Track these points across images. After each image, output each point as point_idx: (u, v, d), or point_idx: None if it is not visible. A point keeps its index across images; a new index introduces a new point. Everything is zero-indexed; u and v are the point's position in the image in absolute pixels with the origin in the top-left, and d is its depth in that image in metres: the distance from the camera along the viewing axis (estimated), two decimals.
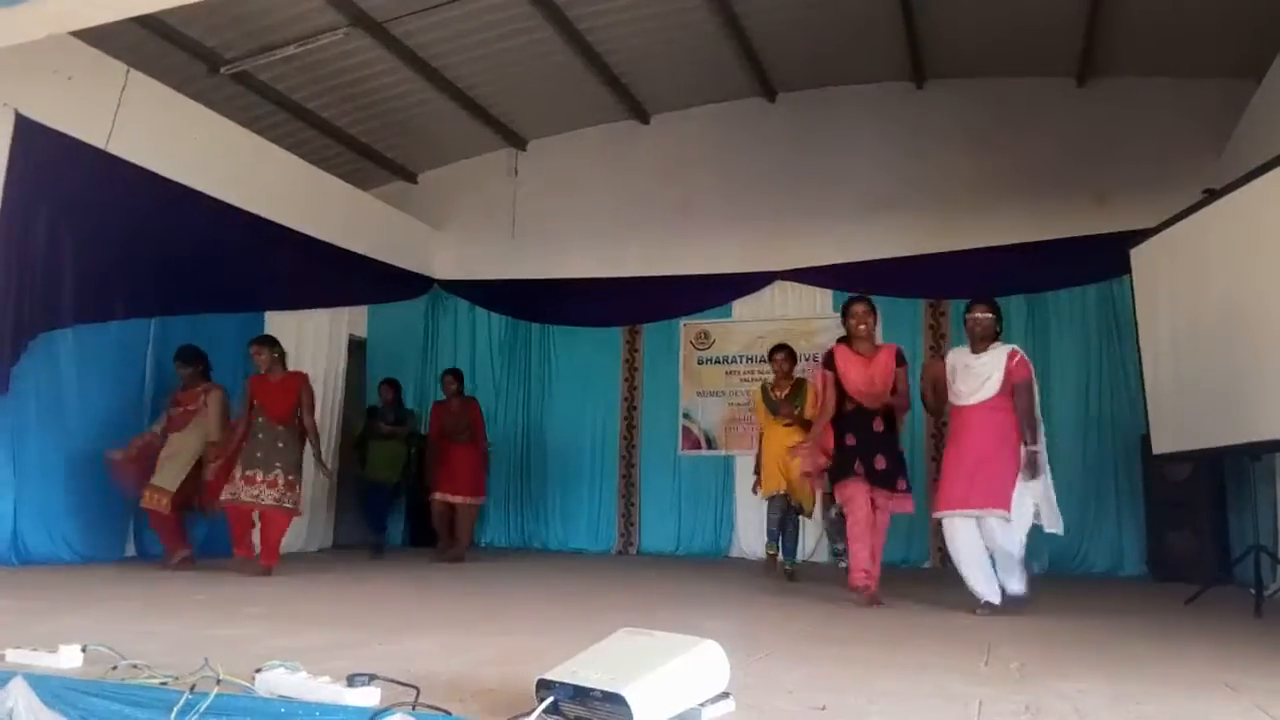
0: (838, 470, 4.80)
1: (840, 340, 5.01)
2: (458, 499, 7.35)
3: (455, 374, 7.70)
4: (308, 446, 5.98)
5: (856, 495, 4.66)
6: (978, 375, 4.62)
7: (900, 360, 4.83)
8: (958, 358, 4.76)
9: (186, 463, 5.94)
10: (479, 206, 9.81)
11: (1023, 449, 4.46)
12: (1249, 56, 6.59)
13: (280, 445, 5.75)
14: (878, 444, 4.71)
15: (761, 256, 8.66)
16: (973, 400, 4.60)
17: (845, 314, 4.92)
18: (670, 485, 8.80)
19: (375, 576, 6.05)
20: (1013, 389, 4.56)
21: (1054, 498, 4.61)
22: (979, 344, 4.69)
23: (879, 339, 5.23)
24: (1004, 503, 4.44)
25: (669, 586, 5.84)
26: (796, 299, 8.65)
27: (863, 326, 4.81)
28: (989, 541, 4.50)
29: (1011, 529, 4.46)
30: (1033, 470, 4.45)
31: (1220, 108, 7.06)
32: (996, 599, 4.46)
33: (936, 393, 4.83)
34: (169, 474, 5.89)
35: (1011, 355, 4.61)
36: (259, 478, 5.65)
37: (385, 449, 7.95)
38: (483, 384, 9.48)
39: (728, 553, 8.39)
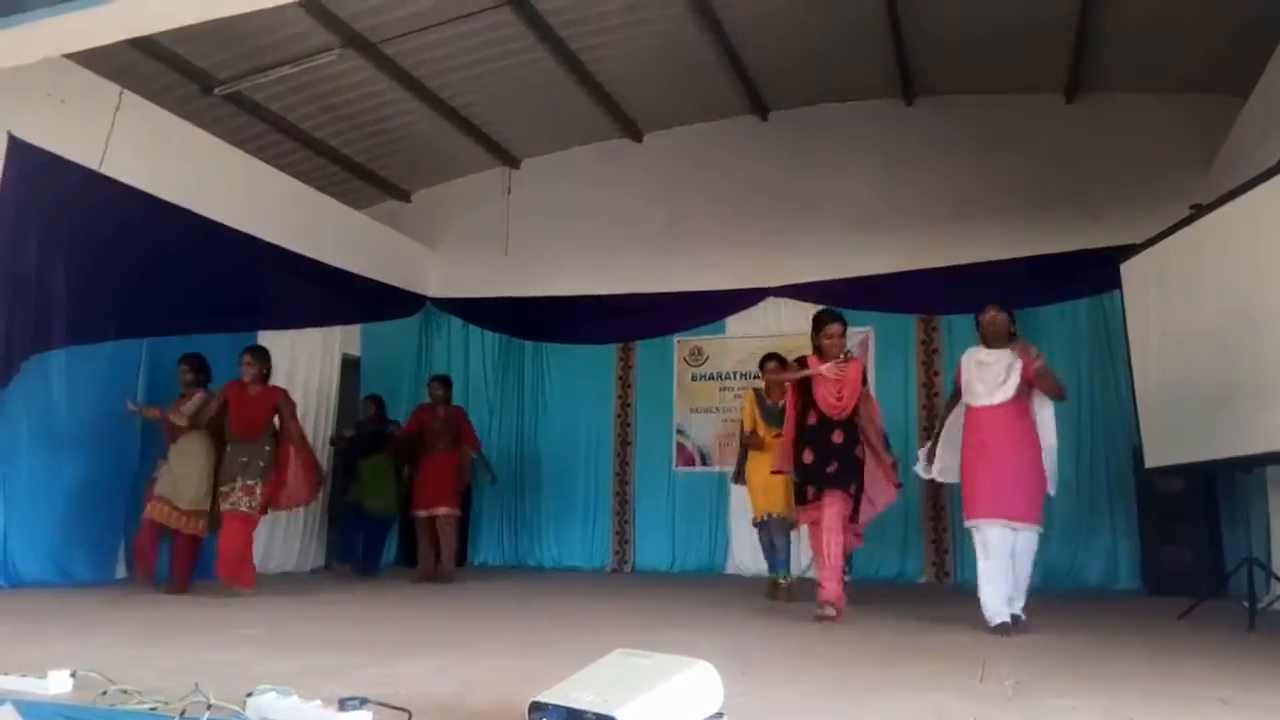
0: (797, 493, 4.96)
1: (812, 353, 5.04)
2: (439, 511, 7.23)
3: (444, 380, 7.66)
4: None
5: (810, 521, 4.81)
6: (995, 373, 4.60)
7: (863, 379, 4.92)
8: (973, 355, 4.75)
9: (207, 480, 5.86)
10: (472, 225, 9.83)
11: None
12: (1236, 73, 6.65)
13: (244, 460, 5.76)
14: (834, 453, 4.78)
15: (754, 273, 8.69)
16: (991, 401, 4.58)
17: (819, 331, 4.94)
18: (665, 502, 8.78)
19: (367, 598, 6.01)
20: (1033, 380, 4.57)
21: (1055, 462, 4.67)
22: (993, 342, 4.69)
23: (870, 357, 5.30)
24: (1038, 517, 4.49)
25: (663, 605, 5.81)
26: (789, 315, 8.65)
27: (839, 349, 4.87)
28: (1011, 552, 4.50)
29: (1035, 537, 4.51)
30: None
31: (1208, 124, 7.14)
32: (1006, 617, 4.43)
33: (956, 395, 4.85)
34: (194, 495, 5.79)
35: (1024, 349, 4.63)
36: (229, 491, 5.72)
37: (376, 473, 7.67)
38: (476, 402, 9.46)
39: (723, 569, 8.37)
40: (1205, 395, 5.25)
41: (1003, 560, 4.46)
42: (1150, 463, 6.02)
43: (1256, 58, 6.06)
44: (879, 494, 5.11)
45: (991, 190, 8.07)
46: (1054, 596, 6.51)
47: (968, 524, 4.62)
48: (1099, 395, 7.59)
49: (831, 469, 4.76)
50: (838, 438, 4.79)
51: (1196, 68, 7.25)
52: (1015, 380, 4.56)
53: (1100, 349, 7.62)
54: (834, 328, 4.90)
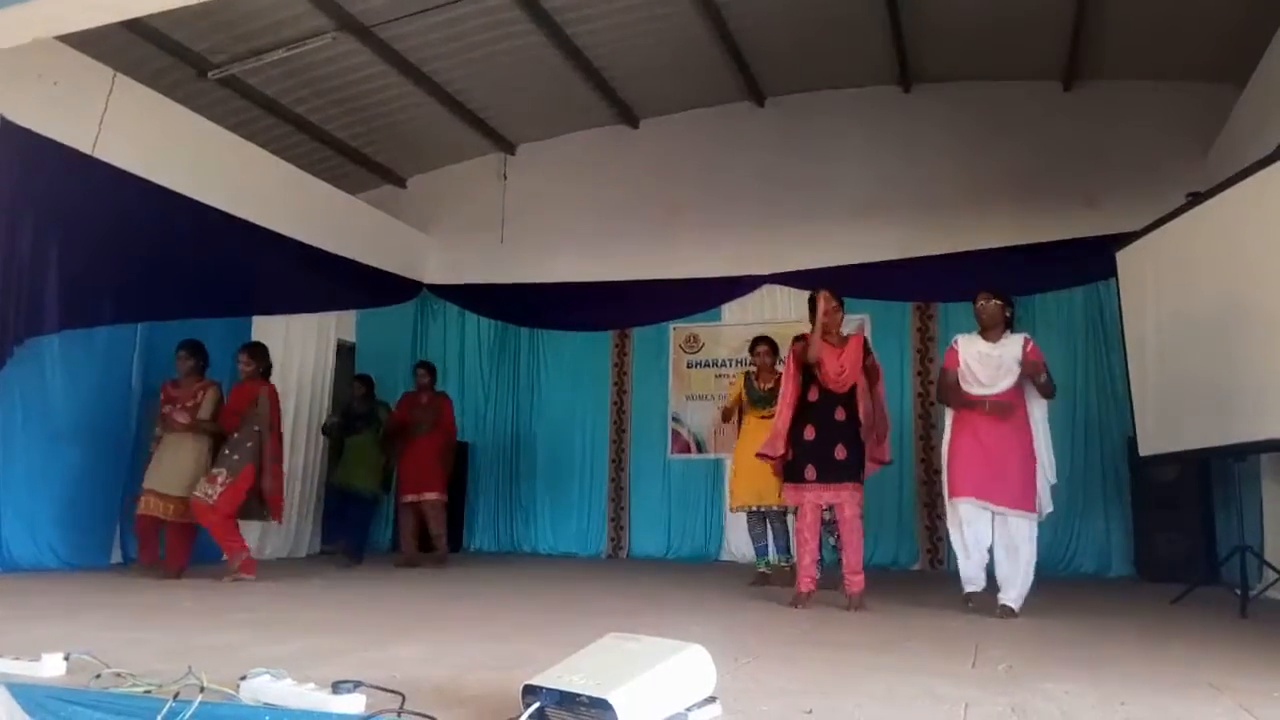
0: (790, 470, 4.83)
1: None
2: (427, 496, 7.25)
3: (428, 367, 7.68)
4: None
5: (804, 502, 4.75)
6: (996, 364, 4.64)
7: (868, 350, 4.89)
8: (970, 345, 4.78)
9: (200, 468, 5.84)
10: (468, 211, 9.79)
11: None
12: (1233, 61, 6.65)
13: (225, 451, 5.80)
14: (839, 433, 4.73)
15: (750, 260, 8.68)
16: (992, 391, 4.63)
17: (811, 307, 4.92)
18: (660, 489, 8.79)
19: (361, 582, 6.02)
20: (1030, 373, 4.60)
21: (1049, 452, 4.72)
22: (990, 332, 4.72)
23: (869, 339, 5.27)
24: (1030, 503, 4.55)
25: (657, 591, 5.83)
26: (785, 302, 8.65)
27: (835, 323, 4.88)
28: (1006, 540, 4.55)
29: (1032, 525, 4.56)
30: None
31: (1205, 112, 7.13)
32: (981, 585, 4.59)
33: (948, 384, 4.87)
34: (185, 482, 5.76)
35: (1026, 343, 4.67)
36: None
37: (362, 452, 7.53)
38: (471, 388, 9.48)
39: (717, 556, 8.39)
40: (1200, 383, 5.26)
41: (979, 538, 4.57)
42: (1144, 450, 6.03)
43: (1254, 46, 6.05)
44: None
45: (988, 177, 8.06)
46: (1048, 583, 6.52)
47: (950, 501, 4.67)
48: (1094, 383, 7.61)
49: (841, 456, 4.68)
50: (840, 415, 4.74)
51: (1194, 56, 7.23)
52: (1016, 370, 4.61)
53: (1095, 337, 7.63)
54: (824, 301, 4.89)
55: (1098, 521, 7.39)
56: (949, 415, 4.86)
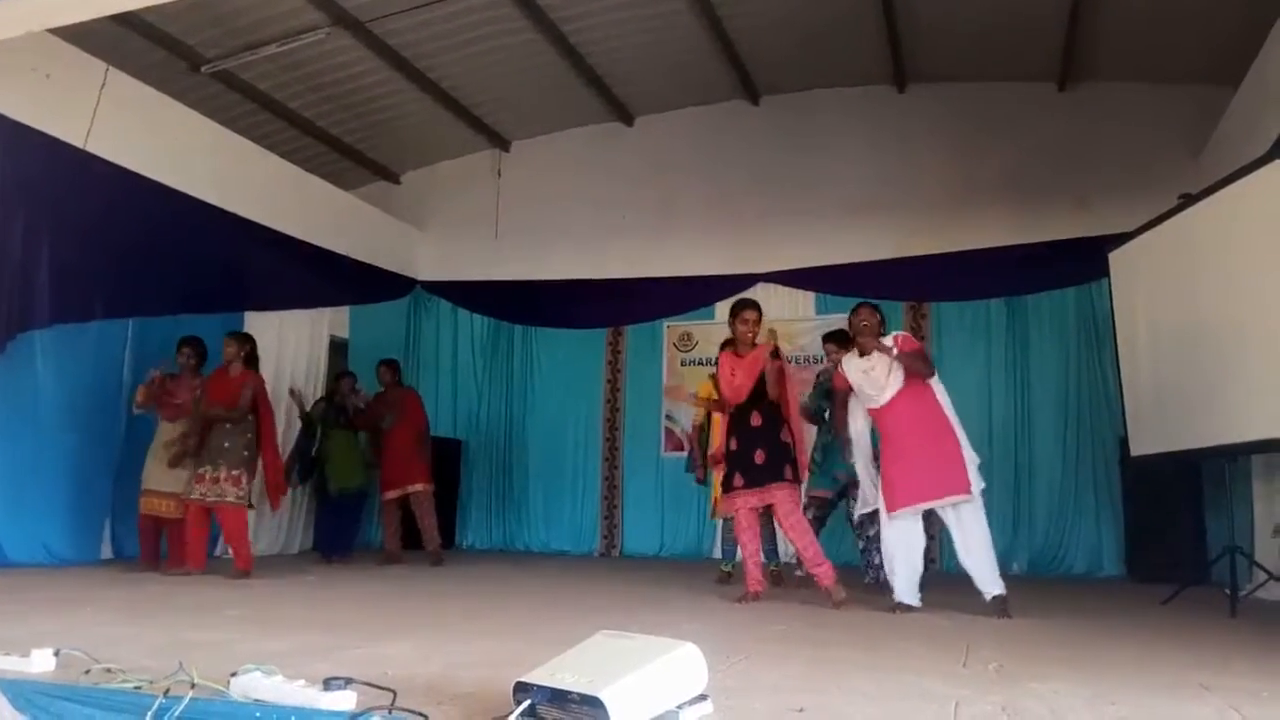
0: (724, 481, 4.99)
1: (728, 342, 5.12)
2: (413, 489, 7.19)
3: (390, 365, 7.57)
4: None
5: (739, 509, 4.88)
6: (878, 376, 4.66)
7: (773, 355, 4.93)
8: (851, 365, 4.79)
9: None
10: (462, 207, 9.78)
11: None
12: (1226, 63, 6.66)
13: (226, 445, 5.76)
14: (755, 438, 4.83)
15: (744, 258, 8.68)
16: (886, 397, 4.64)
17: (734, 316, 5.00)
18: (653, 487, 8.80)
19: (353, 579, 6.01)
20: (906, 363, 4.60)
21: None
22: (866, 345, 4.71)
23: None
24: (964, 486, 4.51)
25: (649, 589, 5.83)
26: (779, 301, 8.63)
27: (750, 334, 4.93)
28: (961, 533, 4.54)
29: (977, 508, 4.53)
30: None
31: (1198, 113, 7.15)
32: (917, 601, 4.58)
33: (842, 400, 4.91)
34: (182, 477, 5.79)
35: (894, 340, 4.66)
36: (208, 475, 5.69)
37: (346, 451, 7.38)
38: (465, 385, 9.48)
39: (710, 554, 8.38)
40: (1191, 384, 5.28)
41: (913, 548, 4.60)
42: (1135, 451, 6.06)
43: (1247, 47, 6.07)
44: None
45: (982, 178, 8.07)
46: (1038, 583, 6.56)
47: (889, 517, 4.66)
48: (1086, 383, 7.64)
49: (760, 460, 4.76)
50: (756, 420, 4.84)
51: (1188, 57, 7.25)
52: (899, 374, 4.61)
53: (1088, 337, 7.66)
54: (747, 314, 4.97)
55: (1089, 522, 7.42)
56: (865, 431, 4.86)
